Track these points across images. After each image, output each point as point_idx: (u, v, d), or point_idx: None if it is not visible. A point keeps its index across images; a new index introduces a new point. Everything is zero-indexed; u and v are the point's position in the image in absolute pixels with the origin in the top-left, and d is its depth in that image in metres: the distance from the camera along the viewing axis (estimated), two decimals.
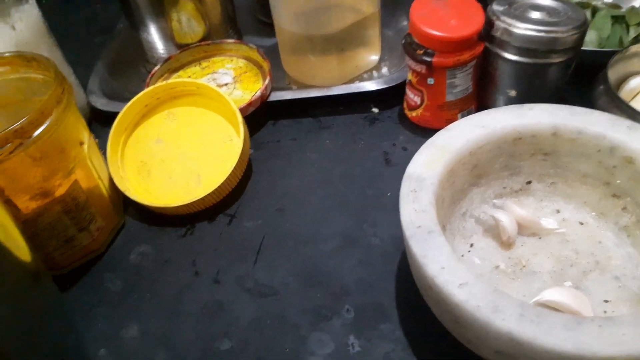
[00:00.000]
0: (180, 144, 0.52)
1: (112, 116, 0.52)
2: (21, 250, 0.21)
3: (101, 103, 0.59)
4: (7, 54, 0.42)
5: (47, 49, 0.53)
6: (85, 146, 0.43)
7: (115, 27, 0.73)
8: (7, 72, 0.44)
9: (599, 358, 0.28)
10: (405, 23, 0.66)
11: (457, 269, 0.32)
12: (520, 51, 0.47)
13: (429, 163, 0.39)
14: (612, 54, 0.48)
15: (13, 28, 0.47)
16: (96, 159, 0.46)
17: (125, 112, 0.52)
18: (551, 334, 0.29)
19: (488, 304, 0.30)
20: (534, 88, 0.49)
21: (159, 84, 0.52)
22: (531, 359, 0.30)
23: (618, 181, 0.40)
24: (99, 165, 0.46)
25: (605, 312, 0.37)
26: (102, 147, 0.50)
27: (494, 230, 0.42)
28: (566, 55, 0.47)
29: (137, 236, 0.49)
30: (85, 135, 0.44)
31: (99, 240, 0.47)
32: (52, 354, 0.25)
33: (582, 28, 0.46)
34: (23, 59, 0.43)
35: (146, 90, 0.52)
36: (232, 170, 0.48)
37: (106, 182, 0.48)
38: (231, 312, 0.42)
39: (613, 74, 0.47)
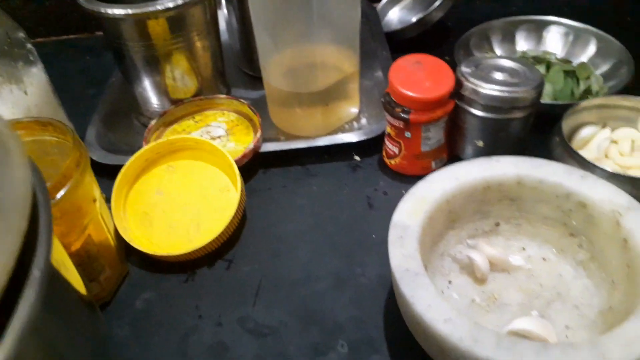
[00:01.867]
0: (179, 195, 0.56)
1: (109, 168, 0.56)
2: (78, 282, 0.24)
3: (99, 156, 0.63)
4: (25, 120, 0.46)
5: (53, 109, 0.56)
6: (98, 203, 0.47)
7: (108, 79, 0.77)
8: (23, 135, 0.47)
9: None
10: (379, 73, 0.73)
11: (442, 307, 0.37)
12: (486, 108, 0.53)
13: (412, 212, 0.44)
14: (566, 107, 0.55)
15: (25, 93, 0.51)
16: (105, 213, 0.50)
17: (128, 166, 0.56)
18: (523, 359, 0.34)
19: (469, 336, 0.35)
20: (499, 139, 0.55)
21: (161, 140, 0.56)
22: None
23: (574, 222, 0.46)
24: (107, 218, 0.50)
25: (567, 336, 0.42)
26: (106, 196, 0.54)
27: (469, 268, 0.48)
28: (526, 111, 0.53)
29: (141, 283, 0.53)
30: (97, 192, 0.48)
31: (106, 289, 0.50)
32: None
33: (539, 88, 0.52)
34: (39, 123, 0.47)
35: (147, 146, 0.56)
36: (231, 220, 0.52)
37: (112, 233, 0.51)
38: (235, 352, 0.46)
39: (566, 126, 0.54)
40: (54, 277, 0.22)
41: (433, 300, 0.37)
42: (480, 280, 0.47)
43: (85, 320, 0.25)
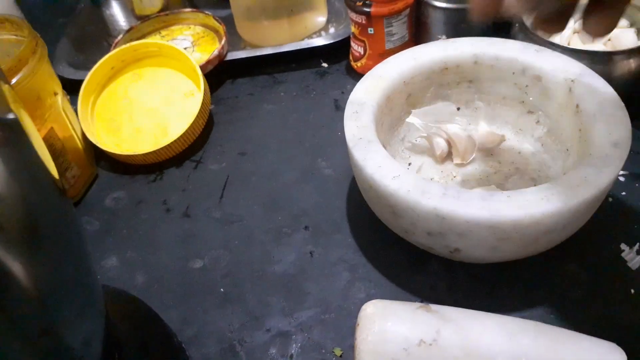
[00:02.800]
0: (146, 101, 0.57)
1: (79, 85, 0.56)
2: (52, 168, 0.25)
3: (68, 72, 0.63)
4: None
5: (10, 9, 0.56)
6: (59, 97, 0.47)
7: (77, 6, 0.76)
8: None
9: (508, 221, 0.34)
10: None
11: (391, 166, 0.38)
12: None
13: (369, 90, 0.44)
14: None
15: None
16: (70, 113, 0.50)
17: (93, 73, 0.56)
18: (469, 205, 0.34)
19: (416, 189, 0.36)
20: (461, 32, 0.55)
21: (124, 46, 0.56)
22: (457, 234, 0.36)
23: (530, 98, 0.46)
24: (72, 118, 0.51)
25: None
26: (74, 107, 0.54)
27: (429, 151, 0.48)
28: None
29: (110, 185, 0.53)
30: (58, 88, 0.48)
31: (75, 187, 0.51)
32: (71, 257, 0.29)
33: None
34: None
35: (111, 53, 0.56)
36: (195, 119, 0.52)
37: (80, 135, 0.52)
38: (202, 238, 0.47)
39: (528, 16, 0.54)
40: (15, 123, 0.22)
41: (383, 161, 0.38)
42: (440, 158, 0.48)
43: (61, 200, 0.26)
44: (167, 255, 0.46)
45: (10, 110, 0.22)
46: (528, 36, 0.50)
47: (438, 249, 0.39)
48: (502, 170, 0.46)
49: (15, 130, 0.23)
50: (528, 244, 0.36)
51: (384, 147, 0.45)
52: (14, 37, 0.47)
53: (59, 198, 0.26)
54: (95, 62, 0.66)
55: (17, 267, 0.21)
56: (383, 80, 0.45)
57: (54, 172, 0.25)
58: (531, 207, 0.34)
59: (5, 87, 0.23)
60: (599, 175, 0.35)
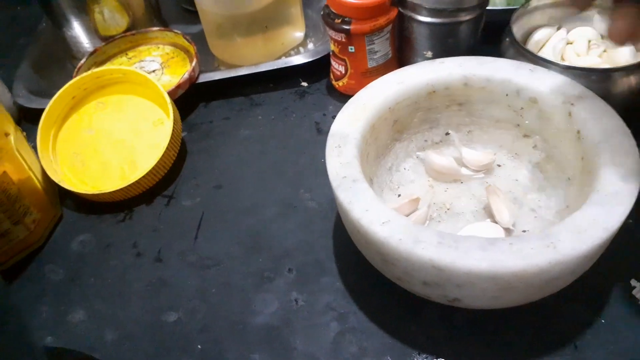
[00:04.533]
0: (112, 132, 0.52)
1: (40, 114, 0.52)
2: None
3: (27, 100, 0.59)
4: None
5: None
6: (12, 137, 0.43)
7: (37, 26, 0.71)
8: None
9: (511, 272, 0.30)
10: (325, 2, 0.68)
11: (380, 210, 0.34)
12: (431, 12, 0.49)
13: (351, 120, 0.41)
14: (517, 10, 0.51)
15: None
16: (25, 152, 0.46)
17: (53, 105, 0.51)
18: (468, 255, 0.31)
19: (408, 236, 0.32)
20: (448, 47, 0.52)
21: (84, 74, 0.52)
22: (455, 285, 0.32)
23: (526, 121, 0.43)
24: (29, 158, 0.46)
25: None
26: (33, 142, 0.50)
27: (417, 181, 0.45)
28: (474, 13, 0.50)
29: (76, 226, 0.49)
30: (11, 127, 0.44)
31: (37, 232, 0.46)
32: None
33: None
34: None
35: (71, 81, 0.52)
36: (165, 151, 0.48)
37: (39, 174, 0.48)
38: (175, 286, 0.43)
39: (518, 28, 0.50)
40: None
41: (371, 204, 0.34)
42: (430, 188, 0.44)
43: None
44: (139, 308, 0.42)
45: None
46: (519, 51, 0.47)
47: (435, 297, 0.35)
48: None
49: None
50: (532, 292, 0.33)
51: (371, 180, 0.42)
52: None
53: None
54: (59, 88, 0.62)
55: None
56: (367, 109, 0.41)
57: None
58: (536, 256, 0.30)
59: None
60: (609, 216, 0.32)
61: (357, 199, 0.35)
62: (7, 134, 0.42)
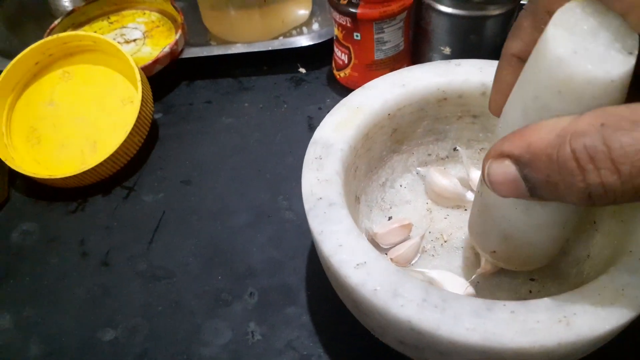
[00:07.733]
0: (75, 107, 0.46)
1: None
2: None
3: None
4: None
5: None
6: None
7: None
8: None
9: (508, 350, 0.24)
10: None
11: (356, 247, 0.27)
12: (454, 2, 0.42)
13: (340, 126, 0.34)
14: None
15: None
16: None
17: (11, 70, 0.45)
18: (456, 322, 0.24)
19: (387, 287, 0.26)
20: (470, 45, 0.44)
21: (50, 37, 0.45)
22: (438, 352, 0.26)
23: None
24: None
25: (530, 291, 0.33)
26: None
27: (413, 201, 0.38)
28: (506, 7, 0.42)
29: (22, 212, 0.43)
30: None
31: None
32: None
33: None
34: None
35: (35, 44, 0.45)
36: (128, 136, 0.42)
37: None
38: (119, 298, 0.37)
39: None
40: None
41: (346, 239, 0.28)
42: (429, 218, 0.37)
43: None
44: (73, 319, 0.36)
45: None
46: None
47: (414, 358, 0.29)
48: None
49: None
50: None
51: (357, 198, 0.35)
52: None
53: None
54: None
55: None
56: (360, 113, 0.34)
57: None
58: (542, 333, 0.24)
59: None
60: None
61: (330, 229, 0.28)
62: None
